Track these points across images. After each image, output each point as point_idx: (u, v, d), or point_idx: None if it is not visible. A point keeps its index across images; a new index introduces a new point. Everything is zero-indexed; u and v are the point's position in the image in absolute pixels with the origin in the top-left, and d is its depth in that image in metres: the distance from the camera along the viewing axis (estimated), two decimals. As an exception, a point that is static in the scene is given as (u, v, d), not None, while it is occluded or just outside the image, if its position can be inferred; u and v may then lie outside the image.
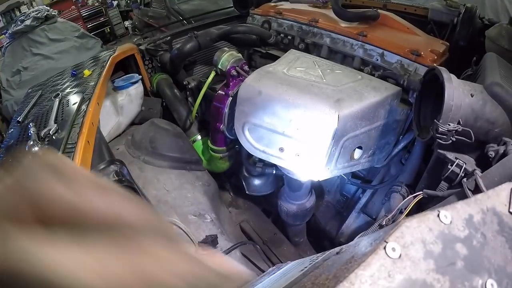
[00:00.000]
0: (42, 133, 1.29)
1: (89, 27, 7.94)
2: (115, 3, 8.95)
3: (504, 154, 1.02)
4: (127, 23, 8.89)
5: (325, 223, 2.13)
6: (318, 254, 0.77)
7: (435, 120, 1.05)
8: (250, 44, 2.06)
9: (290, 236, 2.10)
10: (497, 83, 1.12)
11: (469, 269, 0.50)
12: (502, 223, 0.55)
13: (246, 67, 1.74)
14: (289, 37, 2.18)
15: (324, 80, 1.50)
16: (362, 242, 0.56)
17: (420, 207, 1.22)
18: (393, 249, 0.49)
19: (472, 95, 1.09)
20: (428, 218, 0.53)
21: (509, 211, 0.57)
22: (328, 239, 2.10)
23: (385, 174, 1.87)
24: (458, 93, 1.05)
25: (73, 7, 7.93)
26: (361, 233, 1.35)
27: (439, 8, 2.19)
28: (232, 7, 3.47)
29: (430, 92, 1.24)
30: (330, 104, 1.36)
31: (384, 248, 0.48)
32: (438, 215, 0.53)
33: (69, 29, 5.48)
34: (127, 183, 1.12)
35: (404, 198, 1.50)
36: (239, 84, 1.66)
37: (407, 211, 1.21)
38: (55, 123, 1.35)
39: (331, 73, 1.58)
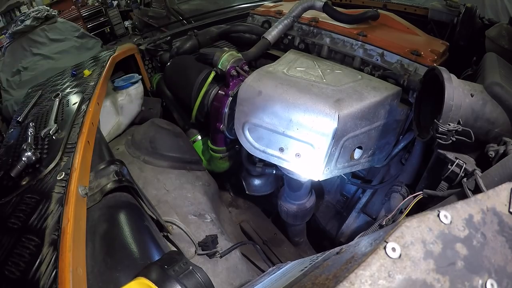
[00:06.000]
0: (42, 133, 1.28)
1: (89, 27, 7.95)
2: (115, 3, 8.97)
3: (504, 154, 1.02)
4: (127, 23, 8.90)
5: (325, 223, 2.13)
6: (318, 254, 0.77)
7: (435, 120, 1.05)
8: (250, 44, 2.06)
9: (290, 236, 2.10)
10: (497, 83, 1.12)
11: (469, 269, 0.50)
12: (502, 223, 0.55)
13: (246, 67, 1.74)
14: (289, 37, 2.18)
15: (324, 80, 1.50)
16: (362, 242, 0.56)
17: (420, 207, 1.21)
18: (393, 249, 0.49)
19: (472, 95, 1.09)
20: (428, 218, 0.53)
21: (509, 211, 0.57)
22: (328, 239, 2.10)
23: (385, 174, 1.87)
24: (458, 93, 1.05)
25: (73, 7, 7.95)
26: (361, 233, 1.35)
27: (439, 8, 2.19)
28: (232, 6, 3.48)
29: (430, 92, 1.24)
30: (330, 104, 1.35)
31: (384, 248, 0.49)
32: (438, 215, 0.53)
33: (69, 29, 5.49)
34: (127, 183, 1.12)
35: (404, 198, 1.51)
36: (239, 84, 1.66)
37: (407, 211, 1.21)
38: (55, 123, 1.35)
39: (331, 73, 1.58)
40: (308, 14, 2.09)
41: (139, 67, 2.39)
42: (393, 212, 1.29)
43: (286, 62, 1.68)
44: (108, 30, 8.59)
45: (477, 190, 0.94)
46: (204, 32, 2.37)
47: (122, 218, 1.05)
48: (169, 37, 2.53)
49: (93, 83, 1.67)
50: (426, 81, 1.26)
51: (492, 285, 0.50)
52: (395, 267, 0.47)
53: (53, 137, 1.26)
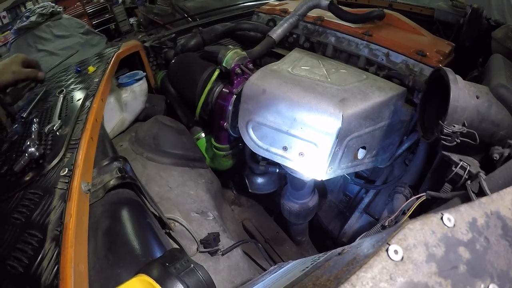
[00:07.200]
0: (46, 129, 1.29)
1: (94, 23, 7.97)
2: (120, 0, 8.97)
3: (509, 157, 1.02)
4: (132, 20, 8.91)
5: (328, 222, 2.13)
6: (320, 254, 0.77)
7: (440, 121, 1.05)
8: (255, 42, 2.06)
9: (292, 235, 2.10)
10: (503, 85, 1.12)
11: (472, 273, 0.50)
12: (506, 227, 0.55)
13: (250, 65, 1.74)
14: (294, 35, 2.18)
15: (329, 80, 1.50)
16: (365, 244, 0.56)
17: (423, 209, 1.21)
18: (396, 252, 0.48)
19: (477, 97, 1.08)
20: (431, 220, 0.52)
21: (514, 216, 0.56)
22: (331, 239, 2.10)
23: (388, 175, 1.86)
24: (463, 95, 1.05)
25: (78, 3, 7.95)
26: (364, 234, 1.35)
27: (445, 8, 2.18)
28: (237, 4, 3.47)
29: (435, 93, 1.23)
30: (335, 103, 1.35)
31: (387, 250, 0.49)
32: (442, 218, 0.53)
33: (74, 26, 5.51)
34: (130, 180, 1.12)
35: (407, 199, 1.50)
36: (243, 82, 1.66)
37: (410, 212, 1.20)
38: (59, 119, 1.36)
39: (336, 72, 1.57)
40: (313, 13, 2.09)
41: (143, 64, 2.39)
42: (396, 213, 1.29)
43: (291, 60, 1.68)
44: (113, 27, 8.60)
45: (481, 193, 0.93)
46: (209, 30, 2.36)
47: (125, 214, 1.05)
48: (174, 35, 2.52)
49: (98, 79, 1.67)
50: (431, 82, 1.25)
51: (494, 289, 0.49)
52: (397, 270, 0.47)
53: (57, 133, 1.26)
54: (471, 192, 0.94)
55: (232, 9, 3.52)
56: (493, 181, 0.94)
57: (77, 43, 5.26)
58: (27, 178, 1.08)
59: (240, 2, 3.97)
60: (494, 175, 0.96)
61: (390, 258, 0.47)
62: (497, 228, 0.54)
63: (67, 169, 1.04)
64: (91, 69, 1.85)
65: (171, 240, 1.34)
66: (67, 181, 0.99)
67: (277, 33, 2.02)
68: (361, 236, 1.31)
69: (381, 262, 0.47)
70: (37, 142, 1.17)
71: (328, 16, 2.04)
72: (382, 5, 2.47)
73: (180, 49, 2.28)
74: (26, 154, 1.10)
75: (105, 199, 1.06)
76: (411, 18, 2.07)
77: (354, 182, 2.00)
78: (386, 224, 1.28)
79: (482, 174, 1.00)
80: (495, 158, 1.05)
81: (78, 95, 1.55)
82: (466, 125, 1.05)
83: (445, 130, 1.04)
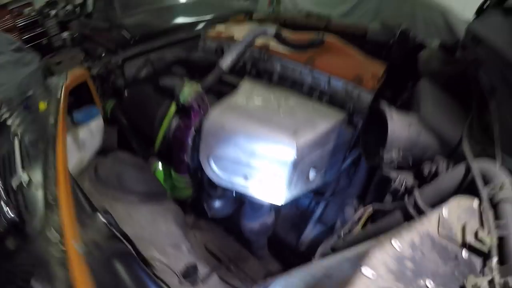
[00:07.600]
0: (14, 185, 1.20)
1: (25, 38, 7.46)
2: (52, 13, 8.52)
3: (436, 172, 1.23)
4: (65, 34, 8.49)
5: (285, 235, 2.25)
6: (307, 276, 0.90)
7: (380, 150, 1.25)
8: (204, 69, 2.13)
9: (253, 251, 2.23)
10: (429, 113, 1.34)
11: (415, 275, 0.71)
12: (434, 242, 0.77)
13: (205, 99, 1.87)
14: (242, 63, 2.28)
15: (281, 110, 1.68)
16: (344, 266, 0.78)
17: (371, 218, 1.39)
18: (367, 270, 0.69)
19: (409, 126, 1.30)
20: (385, 246, 0.74)
21: (438, 233, 0.78)
22: (289, 250, 2.23)
23: (336, 187, 2.04)
24: (398, 127, 1.27)
25: (8, 16, 7.39)
26: (322, 244, 1.49)
27: (377, 29, 2.37)
28: (181, 24, 3.40)
29: (374, 120, 1.42)
30: (288, 134, 1.54)
31: (361, 271, 0.69)
32: (391, 243, 0.75)
33: (4, 42, 5.15)
34: (120, 234, 1.15)
35: (356, 209, 1.69)
36: (200, 116, 1.78)
37: (361, 223, 1.38)
38: (23, 170, 1.27)
39: (286, 103, 1.76)
40: (260, 41, 2.20)
41: (91, 93, 2.32)
42: (348, 224, 1.46)
43: (243, 93, 1.84)
44: (45, 42, 8.14)
45: (416, 205, 1.13)
46: (159, 59, 2.41)
47: (122, 268, 1.08)
48: (121, 61, 2.51)
49: (53, 119, 1.61)
50: (370, 112, 1.46)
51: (430, 283, 0.70)
52: (370, 282, 0.67)
53: (28, 189, 1.19)
54: (409, 205, 1.13)
55: (176, 29, 3.45)
56: (425, 195, 1.12)
57: (7, 61, 4.94)
58: (11, 247, 1.02)
59: (182, 23, 3.90)
60: (425, 190, 1.15)
61: (365, 275, 0.67)
62: (428, 243, 0.76)
63: (54, 231, 0.99)
64: (42, 105, 1.75)
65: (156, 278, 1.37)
66: (58, 243, 0.96)
67: (226, 63, 2.09)
68: (321, 245, 1.45)
69: (361, 279, 0.67)
70: (11, 201, 1.10)
71: (273, 44, 2.17)
72: (319, 26, 2.57)
73: (131, 80, 2.30)
74: (3, 218, 1.04)
75: (99, 256, 1.05)
76: (346, 38, 2.19)
77: (305, 196, 2.16)
78: (342, 234, 1.44)
79: (416, 190, 1.19)
80: (425, 174, 1.27)
81: (37, 140, 1.47)
82: (401, 151, 1.26)
83: (385, 157, 1.24)
